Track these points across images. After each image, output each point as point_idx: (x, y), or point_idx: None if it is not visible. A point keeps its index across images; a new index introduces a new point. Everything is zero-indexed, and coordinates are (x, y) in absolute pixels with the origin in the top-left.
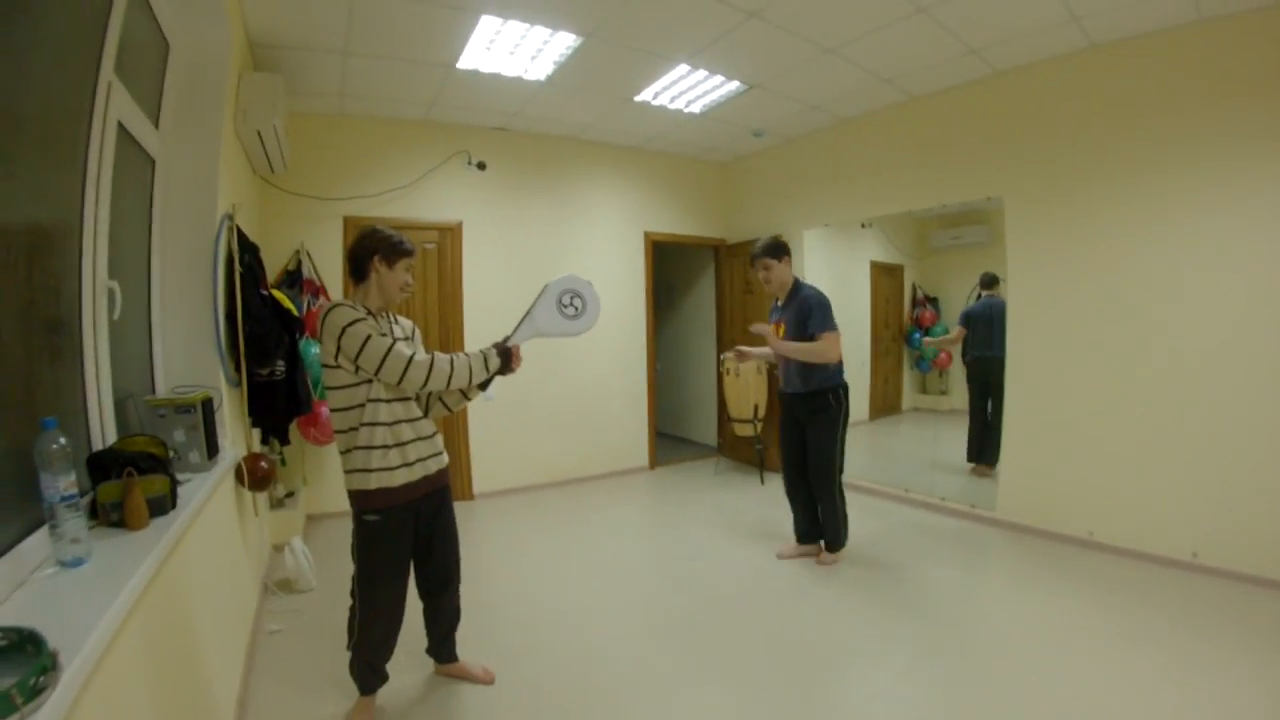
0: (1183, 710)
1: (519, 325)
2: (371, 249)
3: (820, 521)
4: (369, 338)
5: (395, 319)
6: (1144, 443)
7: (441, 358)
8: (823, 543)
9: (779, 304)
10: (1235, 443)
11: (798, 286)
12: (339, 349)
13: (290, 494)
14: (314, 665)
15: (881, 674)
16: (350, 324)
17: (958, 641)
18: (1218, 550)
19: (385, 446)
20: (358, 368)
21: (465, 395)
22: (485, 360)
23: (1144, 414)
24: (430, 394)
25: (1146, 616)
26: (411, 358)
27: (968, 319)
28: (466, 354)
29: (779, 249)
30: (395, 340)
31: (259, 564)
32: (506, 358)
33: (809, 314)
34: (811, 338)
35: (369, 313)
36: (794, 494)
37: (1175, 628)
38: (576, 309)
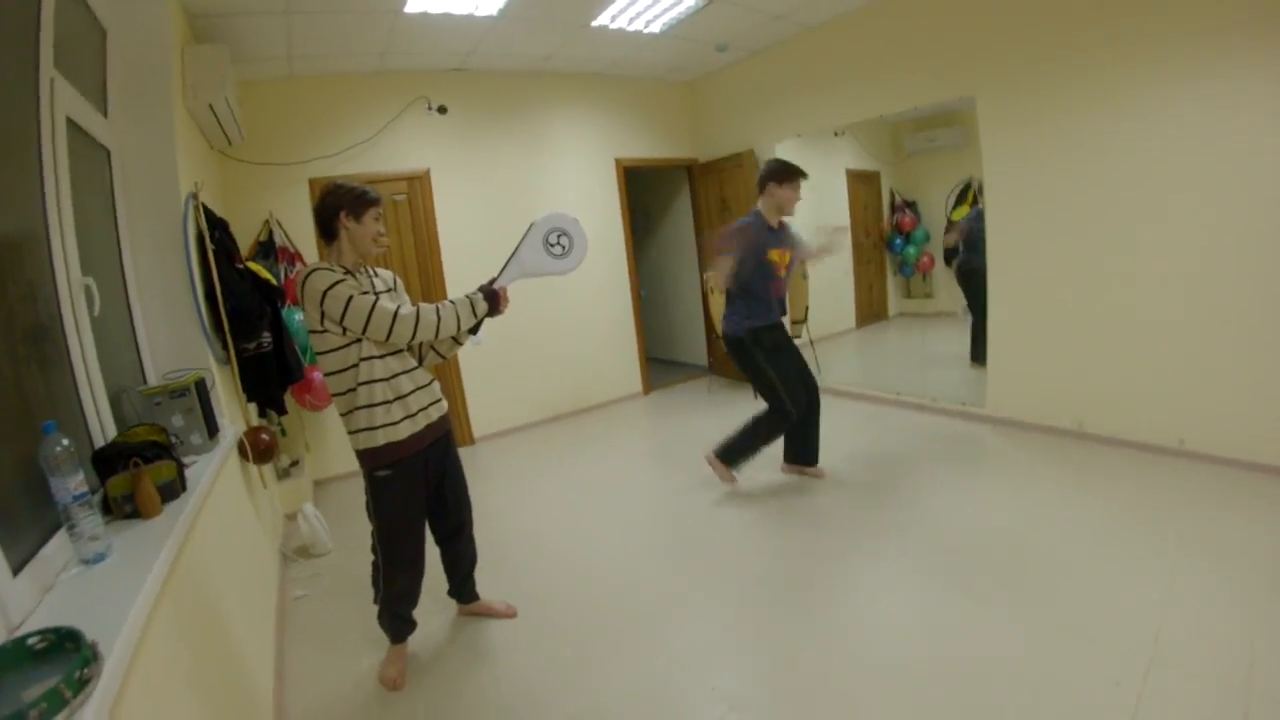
0: (1176, 587)
1: (505, 267)
2: (336, 206)
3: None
4: (351, 298)
5: (374, 273)
6: (1129, 332)
7: (427, 309)
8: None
9: (771, 230)
10: (1220, 329)
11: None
12: (323, 314)
13: (295, 463)
14: (343, 623)
15: (881, 575)
16: (330, 287)
17: (954, 536)
18: (1204, 436)
19: (386, 402)
20: (345, 329)
21: (456, 340)
22: (472, 305)
23: (1128, 303)
24: (422, 343)
25: (1138, 502)
26: (396, 313)
27: (970, 228)
28: (453, 301)
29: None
30: (378, 296)
31: (275, 534)
32: (494, 300)
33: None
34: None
35: (346, 271)
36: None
37: (1165, 511)
38: (564, 247)
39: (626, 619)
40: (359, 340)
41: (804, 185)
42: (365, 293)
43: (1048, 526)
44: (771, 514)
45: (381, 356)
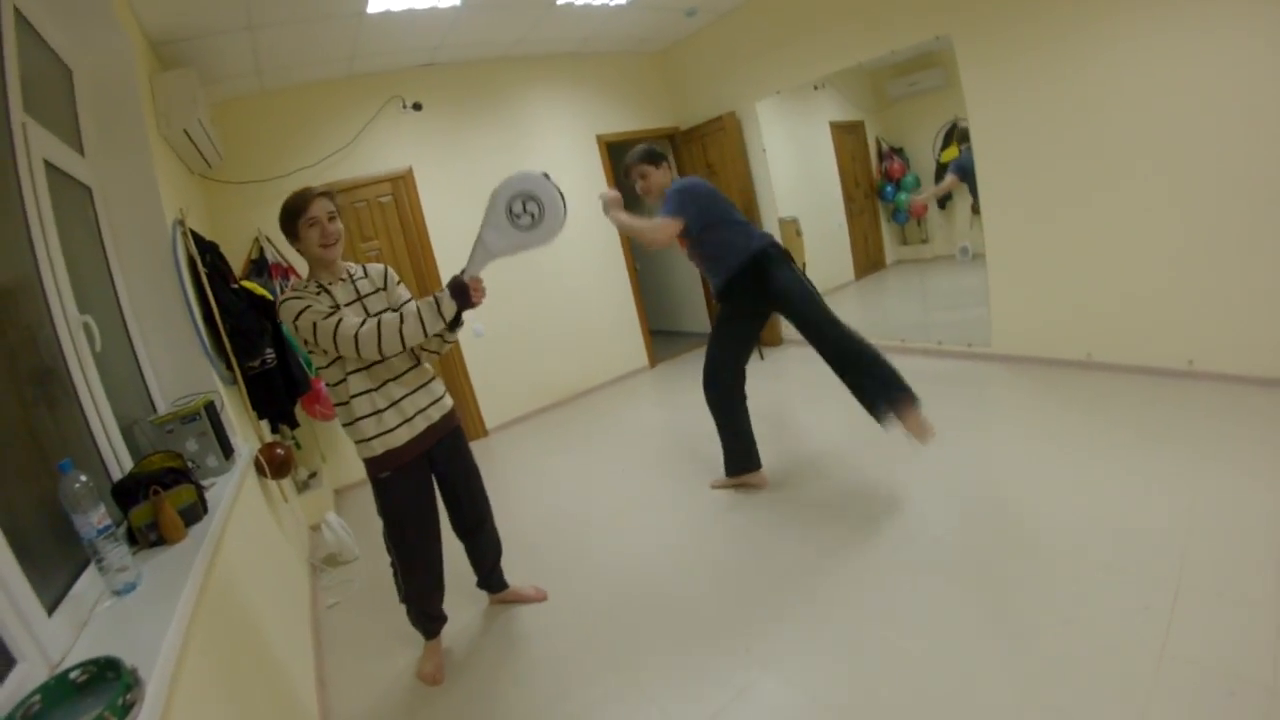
0: (1196, 508)
1: (472, 252)
2: (284, 231)
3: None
4: (315, 325)
5: (364, 272)
6: (1129, 258)
7: (388, 320)
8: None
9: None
10: (1221, 247)
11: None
12: (304, 340)
13: (313, 474)
14: (377, 626)
15: (904, 520)
16: (296, 317)
17: (974, 470)
18: (1212, 355)
19: (378, 411)
20: (325, 350)
21: (442, 338)
22: (437, 304)
23: (1126, 230)
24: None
25: (1151, 427)
26: (356, 332)
27: (961, 170)
28: (417, 303)
29: (655, 155)
30: (340, 318)
31: (301, 546)
32: (462, 295)
33: (667, 200)
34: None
35: (321, 287)
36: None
37: (1179, 433)
38: (534, 215)
39: (655, 588)
40: (341, 358)
41: (789, 139)
42: (331, 313)
43: (1064, 461)
44: (790, 472)
45: (368, 367)
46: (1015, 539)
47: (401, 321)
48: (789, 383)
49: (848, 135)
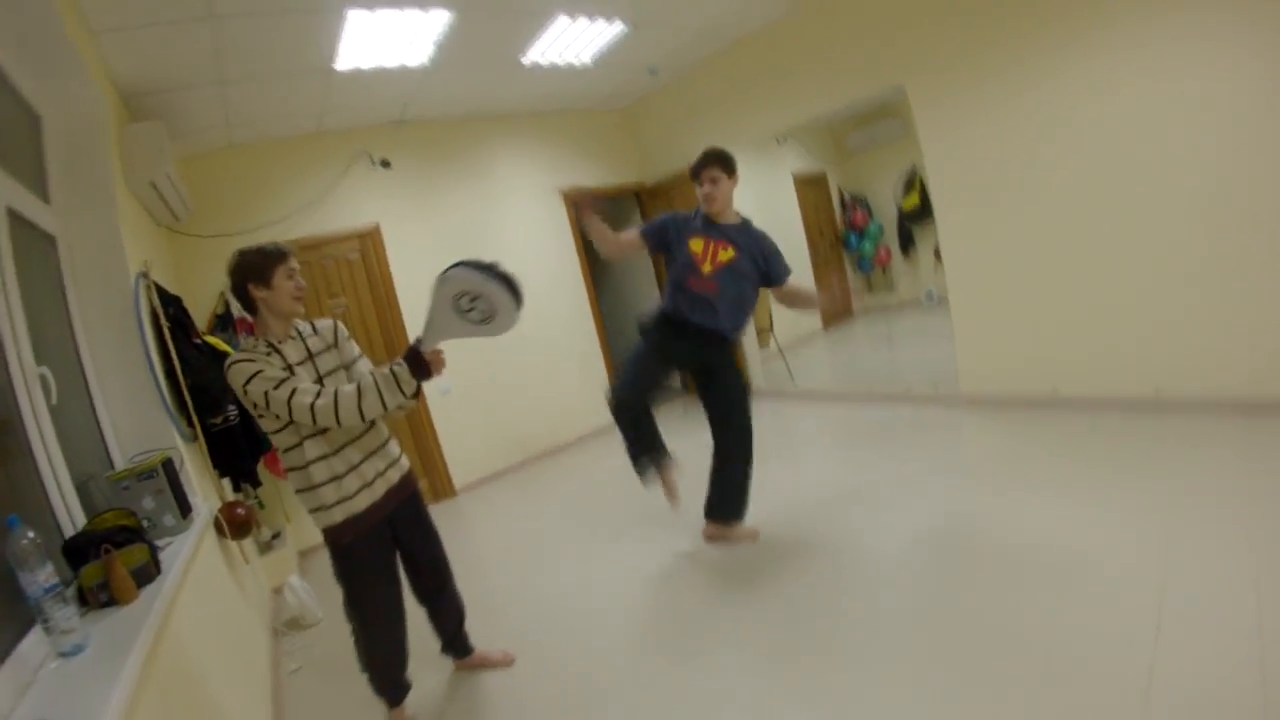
0: (1173, 537)
1: (426, 326)
2: (241, 279)
3: (724, 488)
4: (266, 394)
5: (313, 329)
6: (1091, 290)
7: (345, 394)
8: (714, 513)
9: (706, 222)
10: (1177, 275)
11: (743, 217)
12: (253, 404)
13: (276, 534)
14: (341, 692)
15: (869, 576)
16: (246, 382)
17: (942, 524)
18: (1178, 382)
19: (338, 477)
20: (276, 415)
21: (401, 406)
22: (396, 378)
23: (1084, 264)
24: None
25: (1121, 459)
26: (314, 404)
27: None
28: (375, 374)
29: (731, 160)
30: (294, 387)
31: (263, 609)
32: (420, 369)
33: (775, 254)
34: (768, 280)
35: (271, 347)
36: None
37: (1150, 463)
38: (483, 312)
39: (624, 651)
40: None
41: (753, 193)
42: (282, 381)
43: (1036, 502)
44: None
45: (324, 431)
46: (991, 584)
47: (360, 396)
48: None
49: (811, 187)
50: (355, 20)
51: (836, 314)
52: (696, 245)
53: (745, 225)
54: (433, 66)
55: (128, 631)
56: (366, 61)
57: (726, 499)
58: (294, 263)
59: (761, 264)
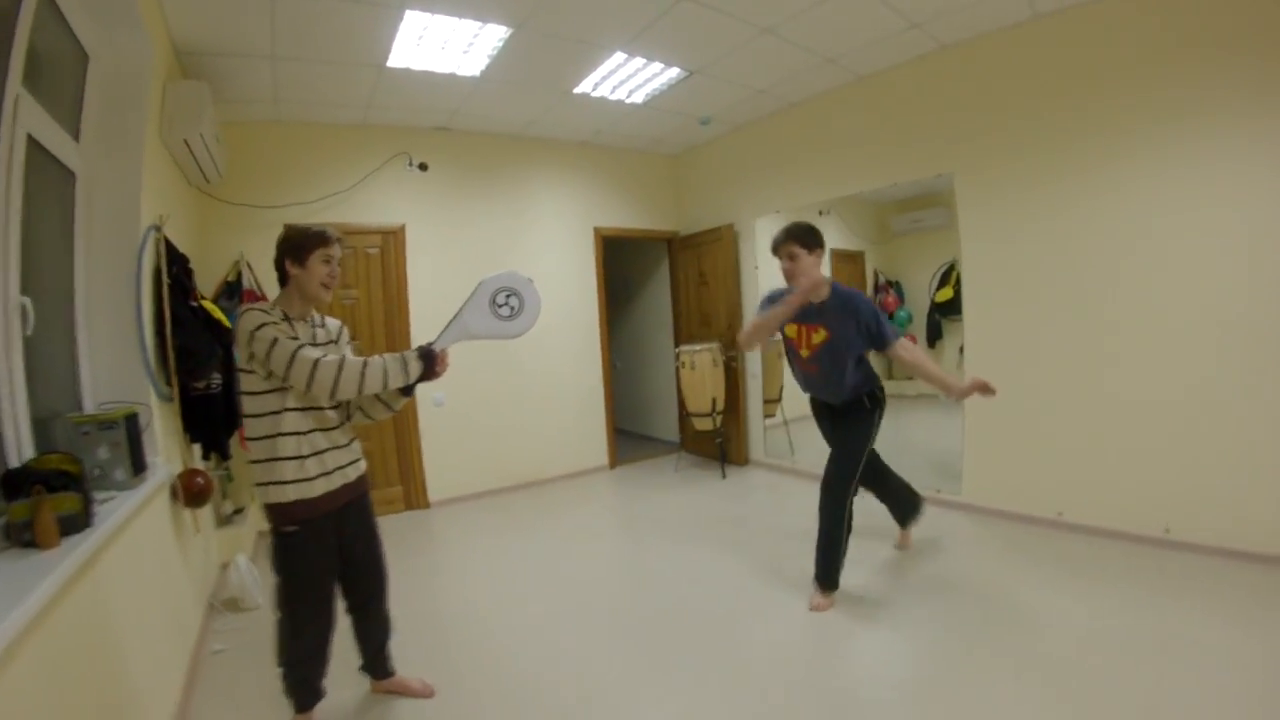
0: (1164, 682)
1: (447, 327)
2: (282, 253)
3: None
4: (276, 340)
5: (322, 321)
6: (1109, 417)
7: (353, 361)
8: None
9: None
10: (1204, 413)
11: (835, 286)
12: (251, 353)
13: (239, 510)
14: (256, 683)
15: (850, 673)
16: (258, 327)
17: (930, 632)
18: (1190, 525)
19: (301, 457)
20: (270, 372)
21: (388, 405)
22: (405, 364)
23: (1109, 389)
24: (349, 401)
25: (1120, 599)
26: (319, 360)
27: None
28: (384, 356)
29: (811, 235)
30: (304, 344)
31: (204, 583)
32: (430, 362)
33: (874, 318)
34: (876, 345)
35: (286, 317)
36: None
37: (1151, 609)
38: (513, 309)
39: (554, 711)
40: (283, 390)
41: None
42: (294, 338)
43: (1021, 629)
44: (731, 604)
45: (302, 410)
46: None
47: (365, 367)
48: (750, 505)
49: (847, 263)
50: (413, 20)
51: None
52: (791, 331)
53: (836, 296)
54: (483, 80)
55: (32, 577)
56: (418, 64)
57: (817, 561)
58: (335, 250)
59: (863, 331)
